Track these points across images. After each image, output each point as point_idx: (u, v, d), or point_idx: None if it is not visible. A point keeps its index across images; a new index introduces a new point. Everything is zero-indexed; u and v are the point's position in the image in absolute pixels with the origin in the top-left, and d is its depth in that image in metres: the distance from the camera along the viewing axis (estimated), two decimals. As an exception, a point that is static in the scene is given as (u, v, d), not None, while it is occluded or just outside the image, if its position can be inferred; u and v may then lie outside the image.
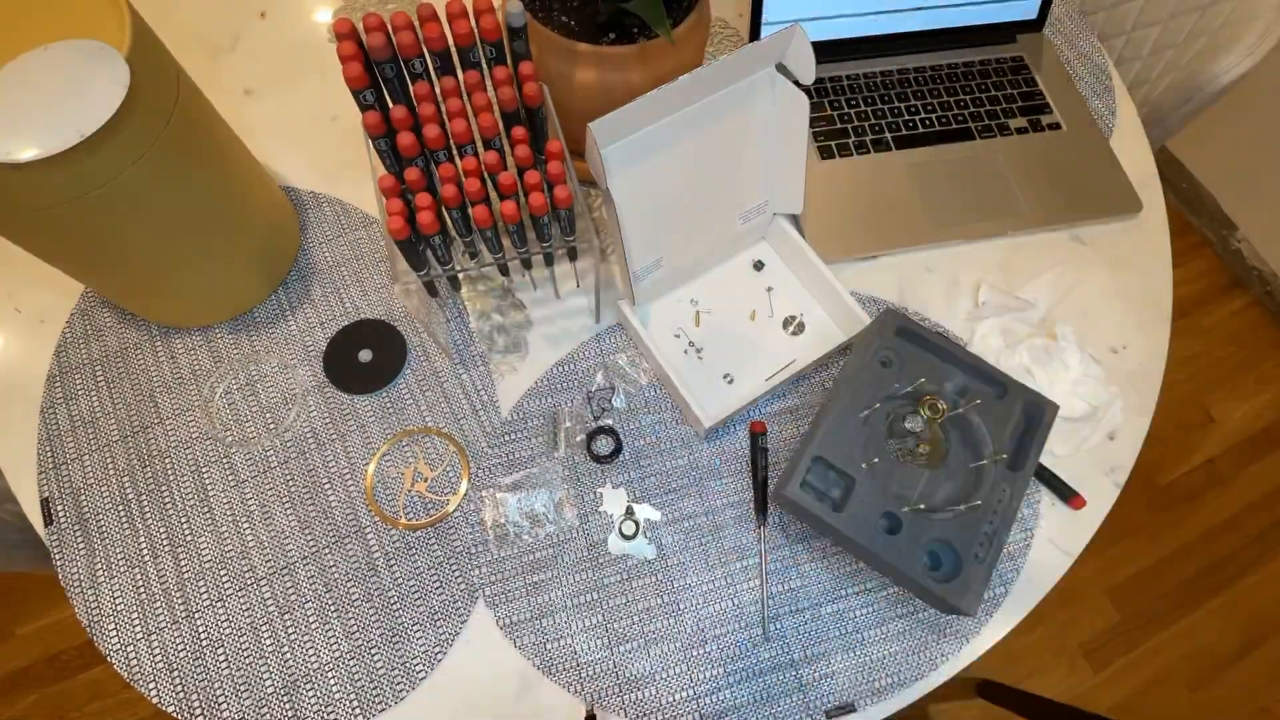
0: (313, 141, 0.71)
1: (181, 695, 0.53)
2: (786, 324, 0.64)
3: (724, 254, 0.66)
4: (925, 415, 0.53)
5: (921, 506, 0.52)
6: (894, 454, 0.55)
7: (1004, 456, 0.52)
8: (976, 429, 0.54)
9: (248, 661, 0.54)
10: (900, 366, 0.56)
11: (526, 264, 0.59)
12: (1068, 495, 0.59)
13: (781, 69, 0.54)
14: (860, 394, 0.54)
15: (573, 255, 0.59)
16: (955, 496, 0.53)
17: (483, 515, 0.58)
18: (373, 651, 0.54)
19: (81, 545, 0.56)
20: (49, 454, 0.59)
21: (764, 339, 0.64)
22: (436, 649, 0.54)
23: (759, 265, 0.66)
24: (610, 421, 0.61)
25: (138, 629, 0.54)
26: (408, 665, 0.54)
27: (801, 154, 0.59)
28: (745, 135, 0.57)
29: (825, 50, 0.76)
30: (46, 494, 0.58)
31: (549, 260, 0.58)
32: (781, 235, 0.65)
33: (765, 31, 0.73)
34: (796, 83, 0.54)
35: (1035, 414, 0.54)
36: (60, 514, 0.57)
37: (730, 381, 0.62)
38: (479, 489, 0.59)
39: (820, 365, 0.63)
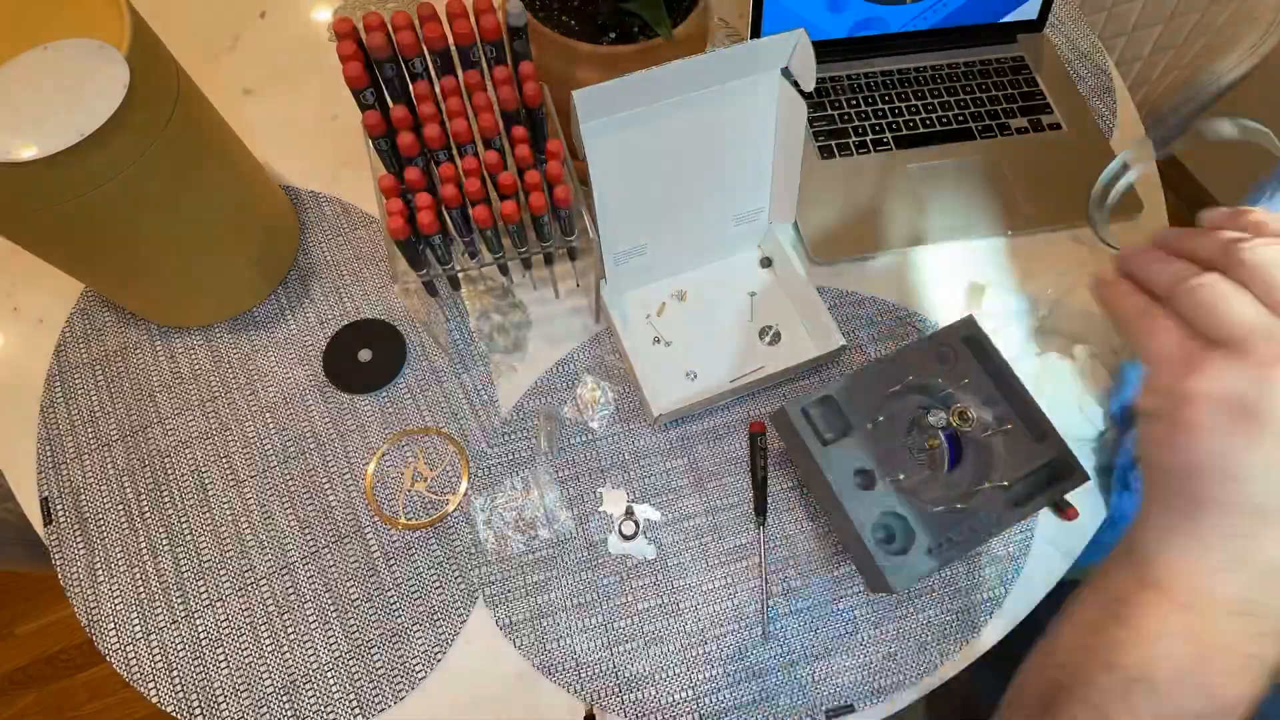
0: (313, 141, 0.71)
1: (181, 695, 0.53)
2: (764, 333, 0.64)
3: (713, 254, 0.66)
4: (954, 423, 0.52)
5: (901, 477, 0.52)
6: (903, 432, 0.54)
7: (1005, 484, 0.51)
8: (996, 456, 0.53)
9: (247, 661, 0.54)
10: (954, 367, 0.55)
11: (526, 264, 0.59)
12: (1061, 506, 0.58)
13: (784, 73, 0.54)
14: (902, 370, 0.54)
15: (573, 255, 0.59)
16: (938, 499, 0.52)
17: (483, 515, 0.58)
18: (372, 651, 0.54)
19: (81, 545, 0.56)
20: (48, 453, 0.59)
21: (737, 343, 0.63)
22: (436, 649, 0.54)
23: (748, 270, 0.66)
24: (596, 425, 0.61)
25: (137, 628, 0.54)
26: (407, 665, 0.54)
27: (797, 162, 0.58)
28: (741, 136, 0.57)
29: (826, 50, 0.76)
30: (46, 493, 0.58)
31: (549, 260, 0.58)
32: (774, 244, 0.65)
33: (766, 31, 0.73)
34: (797, 88, 0.54)
35: (1061, 471, 0.53)
36: (59, 513, 0.57)
37: (694, 379, 0.62)
38: (479, 489, 0.59)
39: (790, 377, 0.62)
